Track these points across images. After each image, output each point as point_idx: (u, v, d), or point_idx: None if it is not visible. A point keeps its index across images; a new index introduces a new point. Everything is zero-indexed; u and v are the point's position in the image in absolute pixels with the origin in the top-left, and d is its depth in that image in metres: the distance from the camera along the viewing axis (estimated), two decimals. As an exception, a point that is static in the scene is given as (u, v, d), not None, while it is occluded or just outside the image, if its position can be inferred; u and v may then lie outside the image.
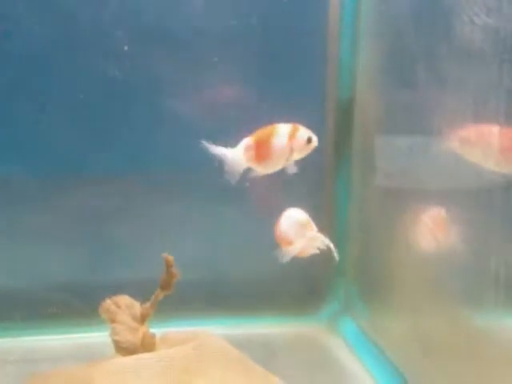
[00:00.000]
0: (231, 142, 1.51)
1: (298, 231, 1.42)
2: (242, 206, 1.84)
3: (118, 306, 1.24)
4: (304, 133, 1.32)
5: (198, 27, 1.76)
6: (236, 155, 1.31)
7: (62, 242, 1.80)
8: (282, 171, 1.34)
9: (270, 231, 1.48)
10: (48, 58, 1.71)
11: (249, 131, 1.79)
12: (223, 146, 1.31)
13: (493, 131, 1.26)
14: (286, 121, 1.59)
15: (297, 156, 1.33)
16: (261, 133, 1.33)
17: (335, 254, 1.37)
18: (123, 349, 1.20)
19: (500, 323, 1.23)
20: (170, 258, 1.22)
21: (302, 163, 1.35)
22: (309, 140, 1.32)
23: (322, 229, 1.93)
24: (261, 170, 1.33)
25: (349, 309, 1.96)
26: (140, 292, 1.25)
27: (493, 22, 1.15)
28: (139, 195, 1.81)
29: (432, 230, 1.42)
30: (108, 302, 1.25)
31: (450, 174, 1.33)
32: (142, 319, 1.24)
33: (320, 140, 1.38)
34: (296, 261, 1.41)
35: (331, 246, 1.38)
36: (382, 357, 1.70)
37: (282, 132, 1.31)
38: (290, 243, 1.44)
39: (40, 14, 1.69)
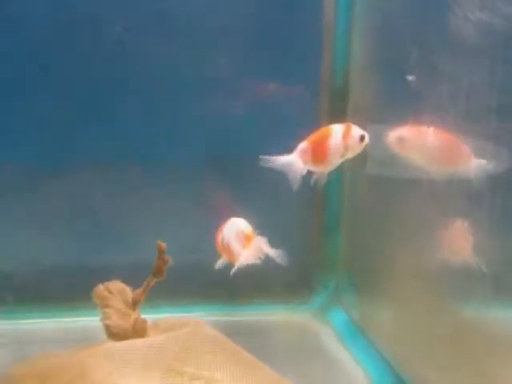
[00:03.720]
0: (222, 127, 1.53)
1: (242, 242, 1.46)
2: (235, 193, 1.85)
3: (110, 292, 1.24)
4: (357, 132, 1.35)
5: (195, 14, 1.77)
6: (294, 161, 1.35)
7: (55, 226, 1.81)
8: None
9: (262, 218, 1.49)
10: (40, 42, 1.71)
11: (248, 122, 1.81)
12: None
13: (426, 132, 1.29)
14: (278, 113, 1.59)
15: (351, 154, 1.37)
16: (315, 136, 1.37)
17: (280, 260, 1.41)
18: (114, 334, 1.20)
19: (487, 315, 1.24)
20: (163, 244, 1.23)
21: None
22: (361, 138, 1.35)
23: (312, 217, 1.95)
24: (317, 169, 1.38)
25: (339, 298, 1.97)
26: (132, 278, 1.25)
27: (486, 17, 1.16)
28: (132, 181, 1.81)
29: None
30: (100, 288, 1.25)
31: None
32: (134, 305, 1.24)
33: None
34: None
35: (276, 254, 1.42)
36: (371, 347, 1.72)
37: (335, 133, 1.35)
38: (231, 254, 1.49)
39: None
